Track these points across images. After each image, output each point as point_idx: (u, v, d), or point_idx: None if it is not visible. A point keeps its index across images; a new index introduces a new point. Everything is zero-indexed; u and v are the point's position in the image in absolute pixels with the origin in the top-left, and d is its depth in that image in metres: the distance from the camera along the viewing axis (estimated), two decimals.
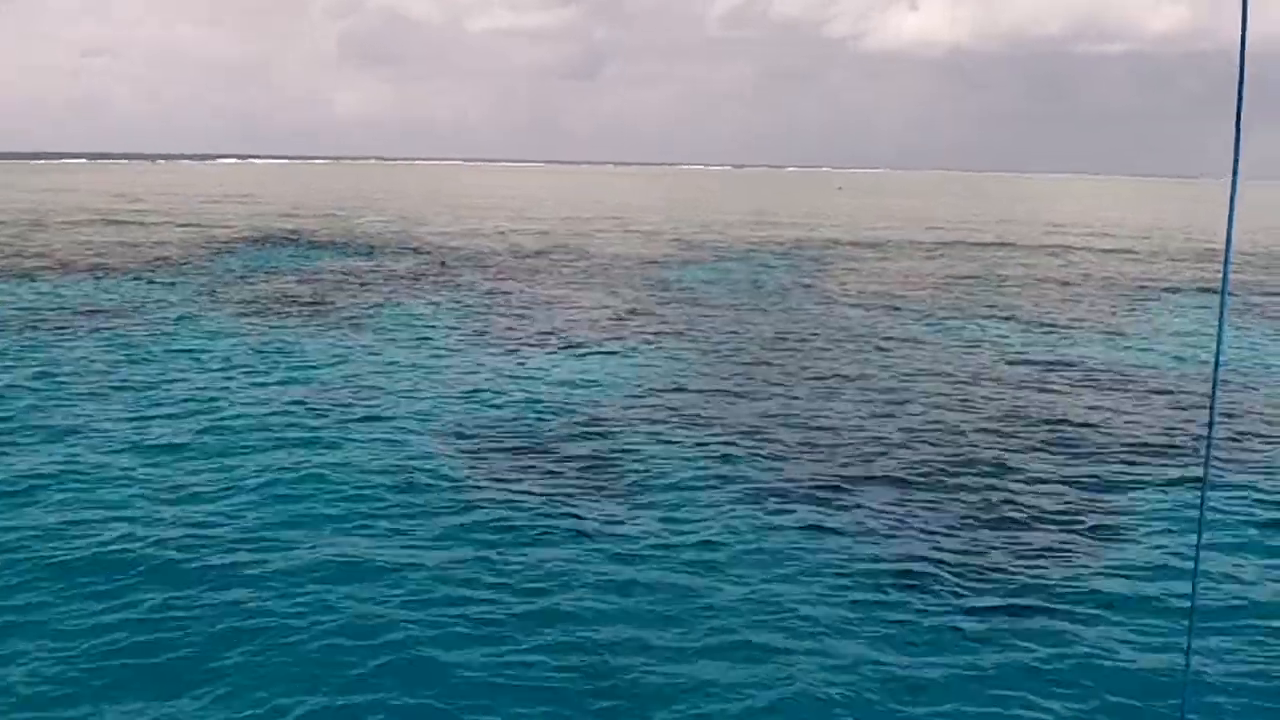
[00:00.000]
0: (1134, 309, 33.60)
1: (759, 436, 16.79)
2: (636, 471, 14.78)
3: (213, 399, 18.35)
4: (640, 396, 19.44)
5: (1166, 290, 38.40)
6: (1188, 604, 9.67)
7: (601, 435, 16.64)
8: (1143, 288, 39.38)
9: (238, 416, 17.17)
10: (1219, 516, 13.00)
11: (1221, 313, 4.48)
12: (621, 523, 12.76)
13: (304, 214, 72.08)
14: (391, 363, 21.95)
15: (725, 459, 15.45)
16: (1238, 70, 4.05)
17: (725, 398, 19.51)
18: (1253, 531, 12.68)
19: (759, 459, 15.53)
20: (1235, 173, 4.15)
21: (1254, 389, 21.35)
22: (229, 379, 19.97)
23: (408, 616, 9.93)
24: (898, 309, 31.89)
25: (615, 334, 26.12)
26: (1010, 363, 23.79)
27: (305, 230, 56.88)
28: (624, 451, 15.77)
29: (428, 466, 14.71)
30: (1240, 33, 4.07)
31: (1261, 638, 9.79)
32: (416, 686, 8.73)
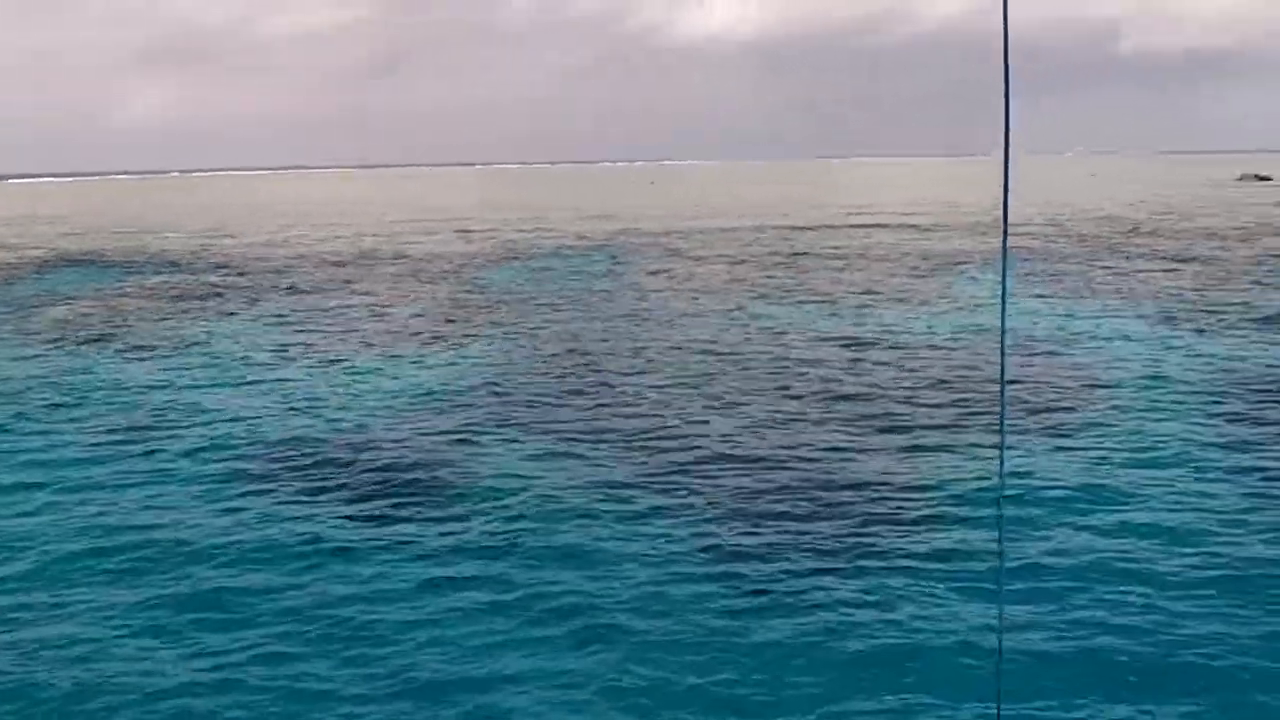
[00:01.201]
0: (935, 282, 35.09)
1: (581, 430, 16.97)
2: (458, 475, 14.80)
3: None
4: (462, 399, 19.40)
5: (965, 263, 40.09)
6: (996, 574, 10.27)
7: (424, 441, 16.56)
8: (947, 262, 41.02)
9: (36, 449, 16.47)
10: (1016, 481, 13.54)
11: (1003, 282, 4.80)
12: (442, 524, 12.81)
13: (98, 234, 69.05)
14: (198, 383, 21.35)
15: (549, 455, 15.60)
16: (1003, 56, 4.34)
17: (547, 394, 19.64)
18: (1049, 494, 13.26)
19: (581, 452, 15.71)
20: (1006, 150, 4.43)
21: (1038, 352, 22.61)
22: (20, 410, 19.10)
23: (226, 644, 9.77)
24: (713, 296, 32.55)
25: (433, 339, 25.95)
26: (821, 340, 24.67)
27: (99, 251, 54.54)
28: (446, 455, 15.77)
29: (236, 488, 14.41)
30: (1003, 17, 4.36)
31: (1066, 598, 10.25)
32: (227, 697, 8.69)
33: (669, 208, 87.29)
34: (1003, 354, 4.83)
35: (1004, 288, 4.72)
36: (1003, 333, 4.69)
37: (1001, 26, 4.29)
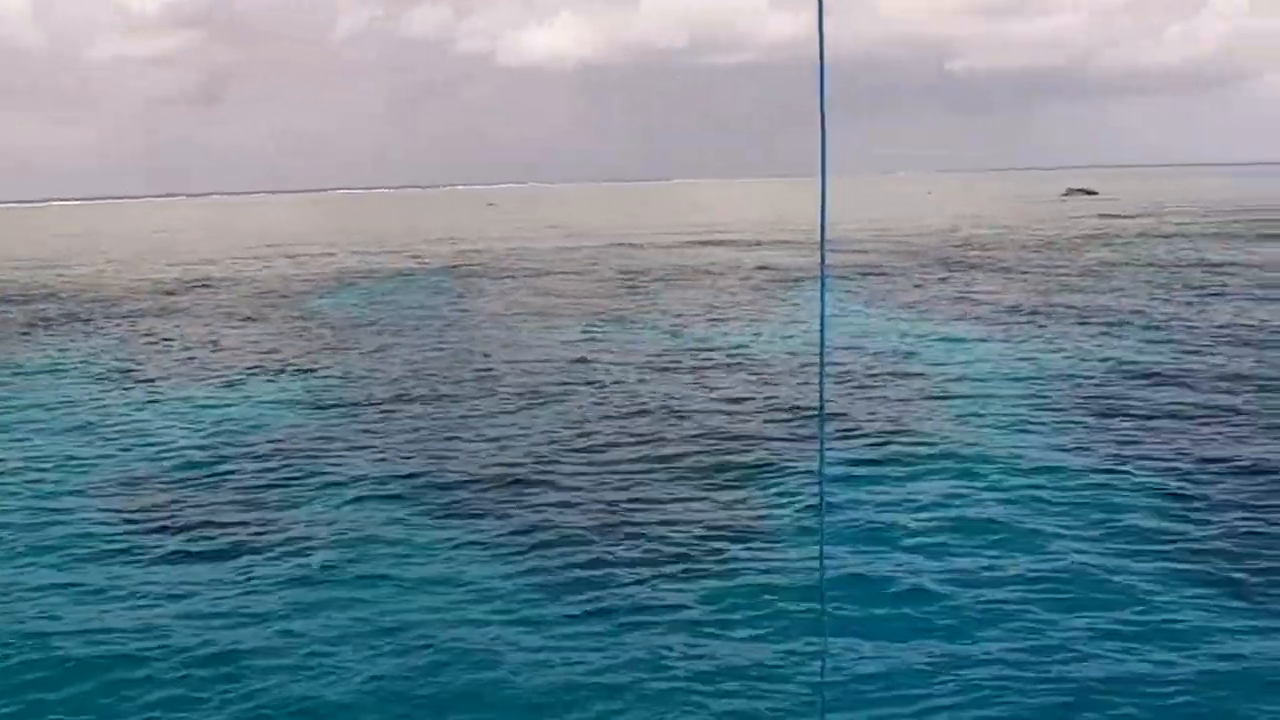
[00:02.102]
0: (770, 299, 35.74)
1: (418, 454, 16.79)
2: (292, 502, 14.46)
3: None
4: (297, 426, 18.98)
5: (803, 279, 40.90)
6: (819, 591, 10.19)
7: (257, 469, 16.12)
8: (783, 279, 41.78)
9: None
10: (836, 492, 13.84)
11: (822, 297, 4.85)
12: (273, 551, 12.52)
13: None
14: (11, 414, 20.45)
15: (385, 480, 15.36)
16: (819, 78, 4.38)
17: (385, 419, 19.33)
18: (867, 508, 13.45)
19: (416, 476, 15.53)
20: (823, 169, 4.48)
21: (867, 364, 23.24)
22: None
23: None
24: (552, 317, 32.54)
25: (261, 367, 25.28)
26: (655, 357, 24.92)
27: None
28: (281, 483, 15.40)
29: (61, 524, 13.80)
30: (819, 43, 4.39)
31: (888, 613, 10.38)
32: None
33: (508, 231, 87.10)
34: (821, 370, 4.87)
35: (822, 305, 4.78)
36: (821, 347, 4.75)
37: (829, 49, 4.32)
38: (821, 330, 4.73)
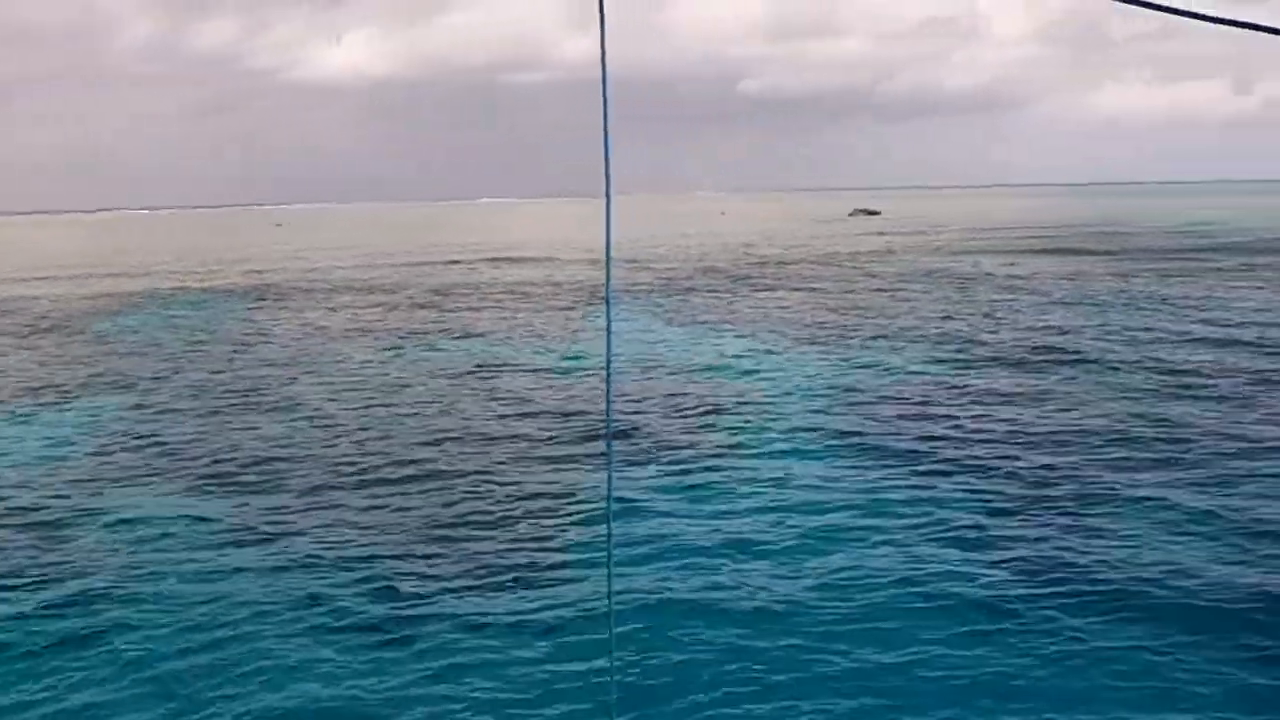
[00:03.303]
0: (562, 318, 35.93)
1: (206, 480, 16.35)
2: (69, 534, 13.88)
3: None
4: (77, 454, 18.18)
5: (592, 298, 41.29)
6: (607, 604, 10.42)
7: (35, 499, 15.39)
8: (572, 298, 42.08)
9: None
10: (624, 506, 14.08)
11: (608, 315, 4.92)
12: (56, 580, 12.01)
13: None
14: None
15: (182, 506, 14.93)
16: (603, 98, 4.44)
17: (173, 444, 18.67)
18: (655, 521, 13.70)
19: (204, 501, 15.17)
20: (608, 190, 4.54)
21: (651, 378, 23.85)
22: None
23: None
24: (342, 339, 31.97)
25: (44, 394, 24.08)
26: (451, 376, 24.86)
27: None
28: (61, 512, 14.77)
29: None
30: (601, 63, 4.46)
31: (674, 620, 10.63)
32: None
33: (297, 251, 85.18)
34: (608, 386, 4.93)
35: (608, 323, 4.84)
36: (608, 365, 4.80)
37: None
38: (608, 348, 4.78)
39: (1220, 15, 2.39)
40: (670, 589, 11.48)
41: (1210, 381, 21.65)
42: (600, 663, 9.52)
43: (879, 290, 42.24)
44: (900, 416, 19.51)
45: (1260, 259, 50.92)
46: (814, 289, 43.32)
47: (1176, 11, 2.48)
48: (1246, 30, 2.37)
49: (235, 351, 30.25)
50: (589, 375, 24.56)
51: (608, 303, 4.96)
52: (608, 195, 4.54)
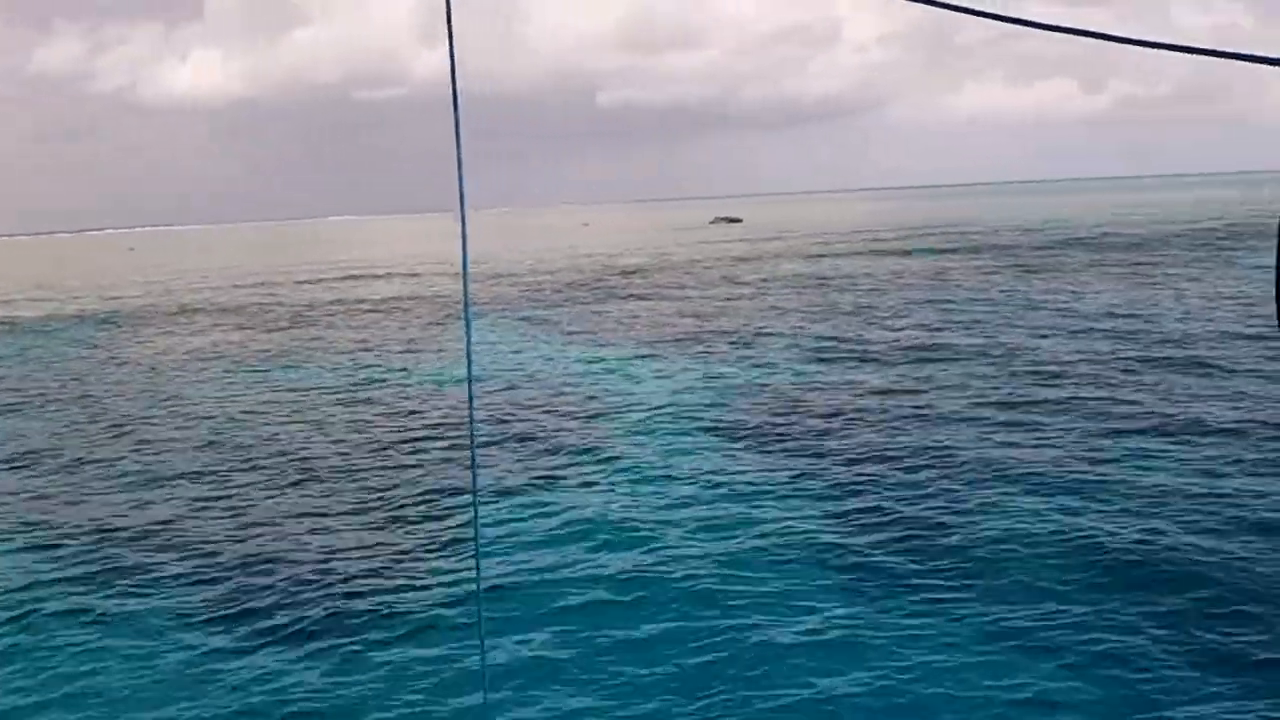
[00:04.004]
0: (422, 333, 35.69)
1: (61, 508, 15.87)
2: None
3: None
4: None
5: (454, 313, 41.03)
6: (475, 606, 10.76)
7: None
8: (433, 313, 41.79)
9: None
10: (490, 512, 14.33)
11: (467, 329, 4.90)
12: None
13: None
14: None
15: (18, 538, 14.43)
16: (454, 113, 4.43)
17: (22, 478, 18.01)
18: (520, 529, 13.90)
19: (54, 532, 14.66)
20: (462, 204, 4.53)
21: (514, 390, 23.96)
22: None
23: None
24: (197, 362, 31.25)
25: None
26: (314, 397, 24.43)
27: None
28: None
29: None
30: (451, 76, 4.45)
31: (544, 621, 10.80)
32: None
33: (152, 275, 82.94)
34: (470, 397, 4.91)
35: (468, 336, 4.82)
36: (469, 379, 4.78)
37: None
38: (468, 362, 4.77)
39: (1064, 24, 2.48)
40: (537, 587, 11.71)
41: (1066, 370, 22.45)
42: (472, 658, 9.76)
43: (739, 296, 42.82)
44: (763, 417, 19.80)
45: (1112, 255, 52.83)
46: (675, 298, 43.69)
47: (1021, 22, 2.56)
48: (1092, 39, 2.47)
49: (84, 381, 29.29)
50: (452, 389, 24.41)
51: (466, 319, 4.95)
52: (462, 210, 4.53)
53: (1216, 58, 2.23)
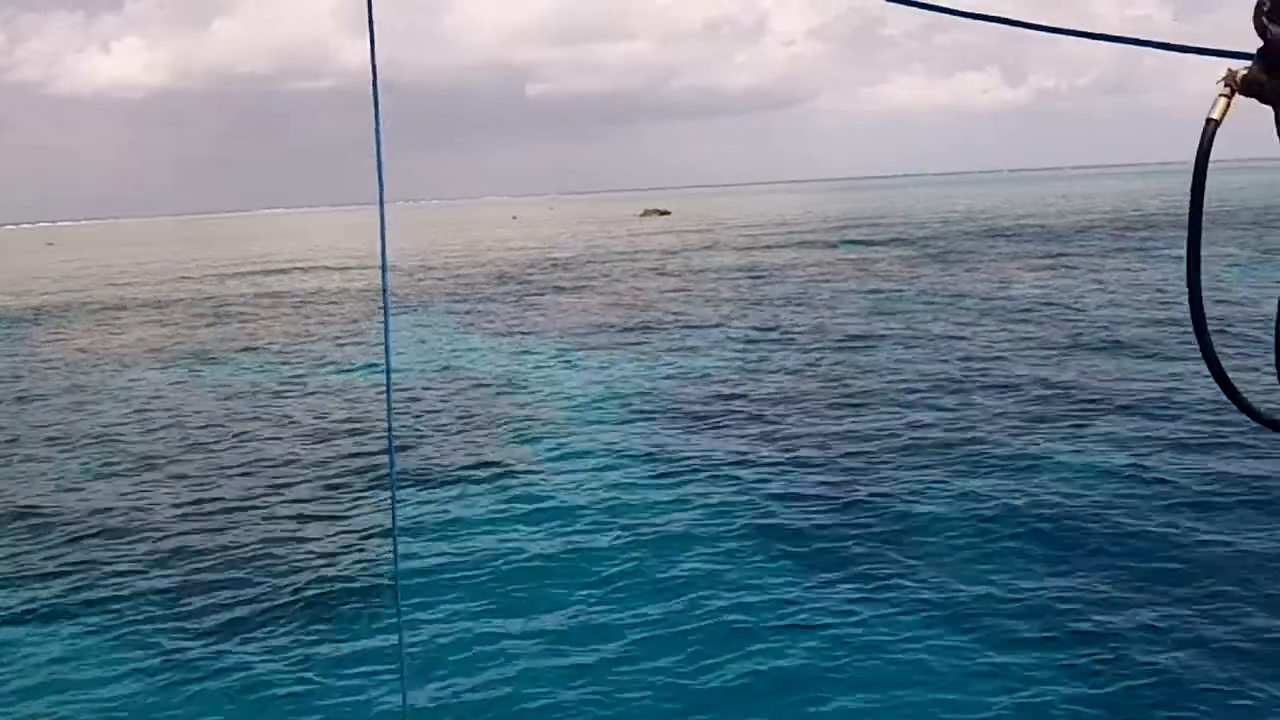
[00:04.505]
0: (346, 327, 35.33)
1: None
2: None
3: None
4: None
5: (377, 307, 40.47)
6: (395, 610, 10.74)
7: None
8: (356, 307, 41.38)
9: None
10: (409, 507, 14.32)
11: (386, 323, 4.83)
12: None
13: None
14: None
15: None
16: (374, 105, 4.36)
17: None
18: (439, 522, 13.91)
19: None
20: (381, 198, 4.45)
21: (438, 383, 23.90)
22: None
23: None
24: (121, 359, 30.69)
25: None
26: (236, 393, 24.12)
27: None
28: None
29: None
30: (371, 68, 4.37)
31: (462, 612, 10.81)
32: None
33: (72, 270, 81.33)
34: (388, 397, 4.85)
35: (386, 332, 4.75)
36: (388, 372, 4.70)
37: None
38: (387, 352, 4.70)
39: (994, 14, 2.48)
40: (456, 579, 11.70)
41: (992, 356, 22.81)
42: (390, 653, 9.71)
43: (669, 288, 42.88)
44: (692, 407, 19.86)
45: (1034, 245, 53.64)
46: (604, 290, 43.65)
47: (949, 11, 2.55)
48: (1017, 28, 2.47)
49: (1, 379, 28.66)
50: (374, 384, 24.18)
51: (385, 313, 4.87)
52: (381, 204, 4.47)
53: (1140, 46, 2.26)
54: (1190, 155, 1.85)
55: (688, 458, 16.44)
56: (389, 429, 4.90)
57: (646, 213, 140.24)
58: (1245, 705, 8.47)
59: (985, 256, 49.10)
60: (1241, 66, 1.81)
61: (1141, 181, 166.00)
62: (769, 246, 65.30)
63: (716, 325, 30.72)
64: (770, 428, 18.16)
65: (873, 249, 58.32)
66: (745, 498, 14.32)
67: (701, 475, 15.46)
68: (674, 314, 34.13)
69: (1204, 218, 1.84)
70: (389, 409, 4.81)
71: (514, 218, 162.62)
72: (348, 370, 26.66)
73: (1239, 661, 9.09)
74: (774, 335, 28.20)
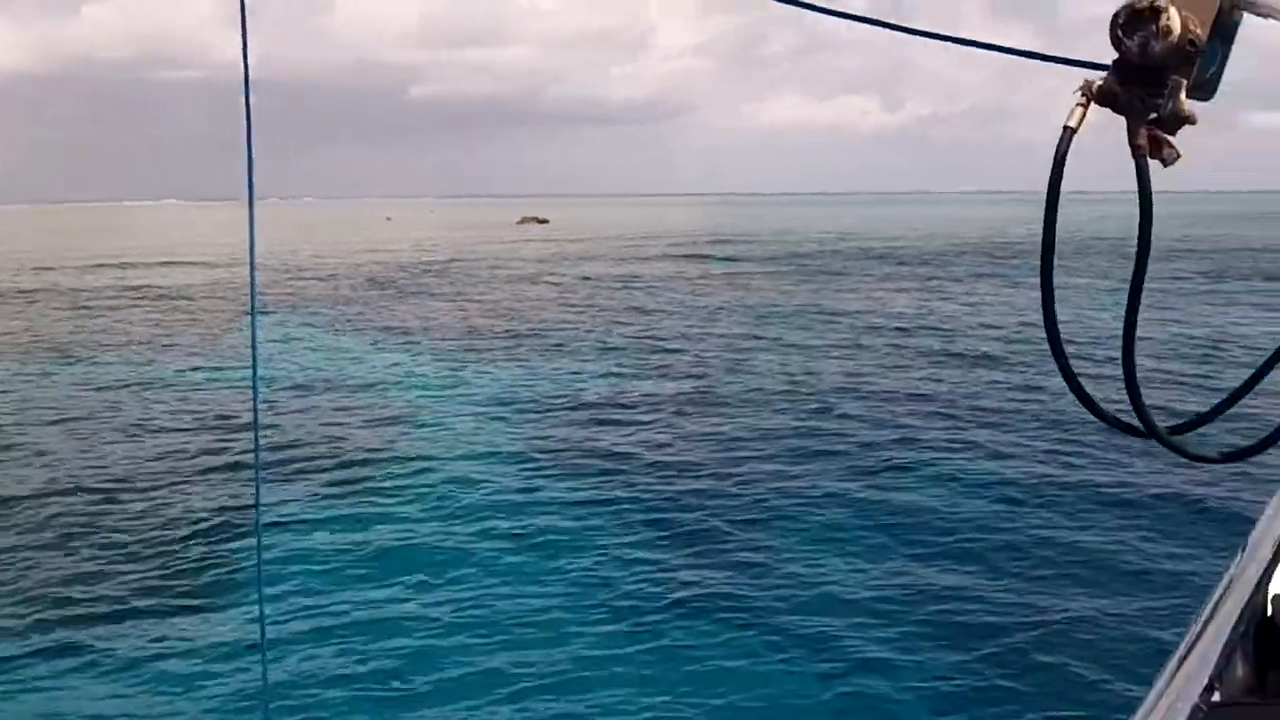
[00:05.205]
0: (214, 327, 34.44)
1: None
2: None
3: None
4: None
5: (245, 307, 39.55)
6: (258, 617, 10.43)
7: None
8: (222, 308, 40.39)
9: None
10: (273, 511, 14.08)
11: (253, 327, 4.70)
12: None
13: None
14: None
15: None
16: (244, 100, 4.23)
17: None
18: (306, 530, 13.67)
19: None
20: (251, 195, 4.32)
21: (307, 388, 23.47)
22: None
23: None
24: None
25: None
26: (96, 392, 23.44)
27: None
28: None
29: None
30: (243, 63, 4.24)
31: (329, 635, 10.55)
32: None
33: None
34: (255, 405, 4.71)
35: (253, 332, 4.62)
36: (254, 378, 4.59)
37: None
38: (254, 356, 4.58)
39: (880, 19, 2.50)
40: (322, 600, 11.43)
41: (863, 374, 23.28)
42: (253, 677, 9.43)
43: (543, 298, 42.81)
44: (560, 421, 19.83)
45: (907, 268, 54.85)
46: (477, 298, 43.35)
47: (830, 13, 2.55)
48: (912, 37, 2.48)
49: None
50: (239, 389, 23.59)
51: (253, 314, 4.74)
52: (250, 202, 4.34)
53: (1004, 54, 2.34)
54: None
55: (555, 461, 16.61)
56: (255, 440, 4.79)
57: (525, 220, 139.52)
58: (1085, 686, 9.12)
59: (856, 276, 50.10)
60: (1098, 77, 1.89)
61: (1011, 208, 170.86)
62: (646, 258, 65.63)
63: (589, 338, 30.71)
64: (638, 434, 18.33)
65: (748, 264, 59.06)
66: (610, 500, 14.54)
67: (567, 478, 15.63)
68: (547, 322, 34.09)
69: (1058, 244, 1.92)
70: (255, 419, 4.71)
71: (388, 219, 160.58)
72: (213, 370, 25.93)
73: (1080, 647, 9.81)
74: (646, 346, 28.35)
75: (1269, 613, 1.43)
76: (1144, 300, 1.91)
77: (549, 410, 20.69)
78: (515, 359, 26.83)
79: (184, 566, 12.48)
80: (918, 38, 2.51)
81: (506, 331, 32.08)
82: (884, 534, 13.14)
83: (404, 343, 30.27)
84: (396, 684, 9.53)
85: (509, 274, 54.99)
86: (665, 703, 9.18)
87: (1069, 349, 2.02)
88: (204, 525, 13.96)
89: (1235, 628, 1.35)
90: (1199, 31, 1.85)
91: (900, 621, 10.51)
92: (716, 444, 17.78)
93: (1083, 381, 2.06)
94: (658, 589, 11.53)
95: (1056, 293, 1.95)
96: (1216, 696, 1.26)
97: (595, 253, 72.35)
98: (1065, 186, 1.88)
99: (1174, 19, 1.81)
